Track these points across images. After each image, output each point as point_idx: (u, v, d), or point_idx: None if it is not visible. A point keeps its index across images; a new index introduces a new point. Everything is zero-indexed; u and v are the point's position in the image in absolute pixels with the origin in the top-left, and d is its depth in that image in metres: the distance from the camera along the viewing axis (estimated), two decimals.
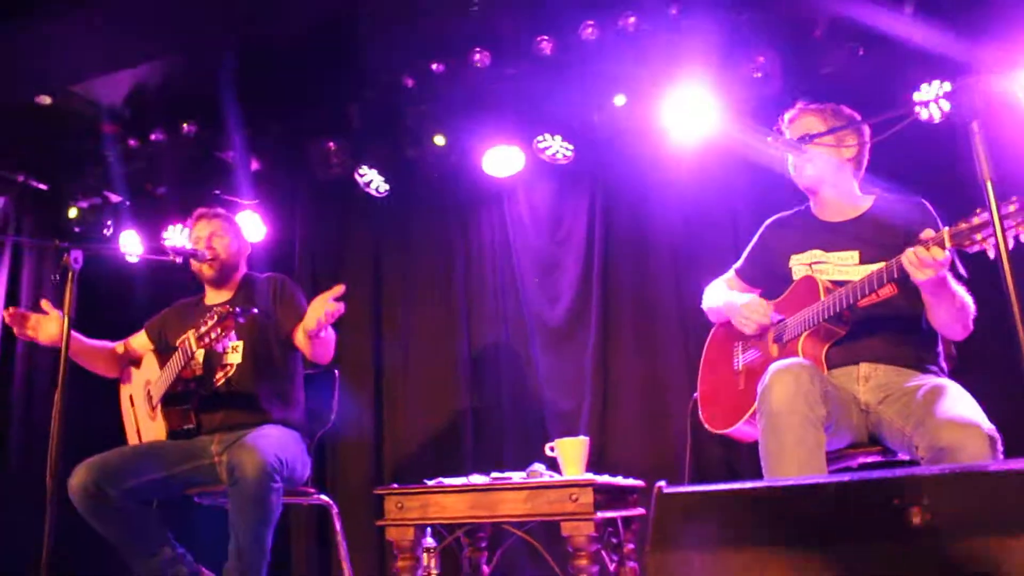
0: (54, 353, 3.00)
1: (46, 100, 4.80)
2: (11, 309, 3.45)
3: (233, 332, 3.11)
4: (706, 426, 3.07)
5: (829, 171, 2.94)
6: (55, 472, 2.69)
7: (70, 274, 2.90)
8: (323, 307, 3.18)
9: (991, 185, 2.03)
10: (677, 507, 1.63)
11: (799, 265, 2.97)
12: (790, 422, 2.41)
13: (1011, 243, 2.13)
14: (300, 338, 3.46)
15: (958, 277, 2.69)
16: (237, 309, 3.05)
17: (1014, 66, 3.36)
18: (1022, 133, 2.86)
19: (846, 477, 1.47)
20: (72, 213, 5.31)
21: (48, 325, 3.44)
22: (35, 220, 5.54)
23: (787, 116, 3.04)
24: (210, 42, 4.47)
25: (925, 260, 2.38)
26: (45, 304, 3.43)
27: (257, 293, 3.64)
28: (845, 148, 2.91)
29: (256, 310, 3.27)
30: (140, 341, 3.77)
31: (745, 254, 3.26)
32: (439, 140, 4.79)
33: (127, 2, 4.27)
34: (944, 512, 1.34)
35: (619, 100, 4.38)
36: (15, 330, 3.45)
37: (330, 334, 3.39)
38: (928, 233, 2.41)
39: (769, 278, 3.11)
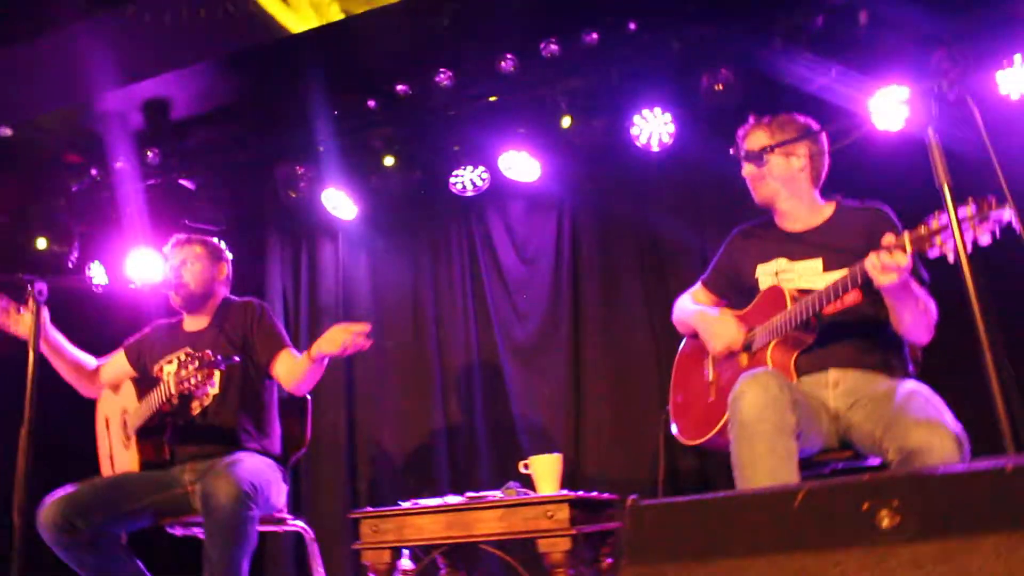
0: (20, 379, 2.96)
1: (7, 132, 4.76)
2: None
3: (214, 379, 3.10)
4: (679, 438, 3.08)
5: (782, 184, 2.97)
6: (23, 509, 2.65)
7: (35, 306, 2.87)
8: (344, 335, 3.17)
9: (948, 190, 2.06)
10: (650, 520, 1.63)
11: (765, 275, 2.99)
12: (761, 431, 2.42)
13: (969, 246, 2.16)
14: (281, 370, 3.45)
15: (920, 281, 2.72)
16: (219, 358, 3.03)
17: (967, 72, 3.43)
18: (980, 138, 2.90)
19: (815, 483, 1.48)
20: (40, 244, 5.26)
21: (25, 318, 3.43)
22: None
23: (741, 131, 3.08)
24: (181, 61, 4.44)
25: (888, 264, 2.41)
26: (23, 311, 3.42)
27: (234, 319, 3.61)
28: (794, 158, 2.94)
29: (237, 359, 3.25)
30: (119, 362, 3.73)
31: (711, 265, 3.27)
32: (405, 162, 4.79)
33: (85, 30, 4.25)
34: (913, 514, 1.35)
35: (584, 117, 4.39)
36: None
37: (324, 365, 3.39)
38: (889, 239, 2.44)
39: (736, 288, 3.13)
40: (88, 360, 3.71)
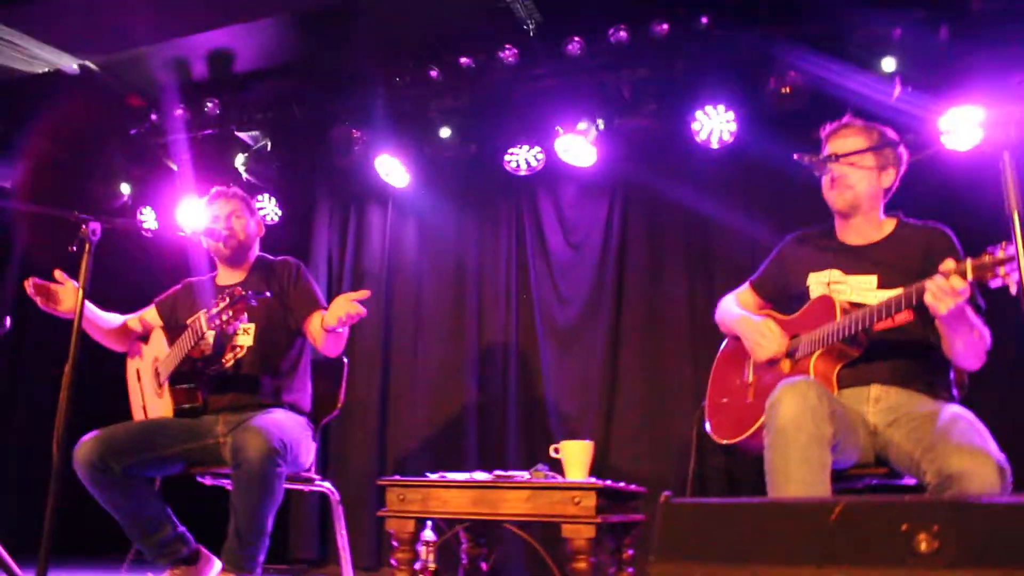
0: (63, 326, 3.00)
1: (72, 70, 4.81)
2: (32, 280, 3.43)
3: (245, 315, 3.10)
4: (712, 435, 3.06)
5: (867, 195, 2.89)
6: (61, 444, 2.69)
7: (87, 246, 2.90)
8: (345, 307, 3.17)
9: (1019, 218, 2.01)
10: (683, 518, 1.62)
11: (816, 284, 2.95)
12: (796, 439, 2.40)
13: None
14: (313, 329, 3.46)
15: (976, 308, 2.67)
16: (249, 292, 3.05)
17: None
18: None
19: (855, 498, 1.47)
20: (96, 184, 5.32)
21: (66, 297, 3.45)
22: (54, 189, 5.56)
23: (830, 127, 2.99)
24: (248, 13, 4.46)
25: (945, 290, 2.36)
26: (59, 274, 3.43)
27: (271, 276, 3.63)
28: (884, 175, 2.88)
29: (269, 294, 3.27)
30: (150, 316, 3.77)
31: (762, 268, 3.24)
32: (462, 135, 4.79)
33: None
34: (953, 541, 1.33)
35: (646, 106, 4.35)
36: (38, 301, 3.44)
37: (345, 331, 3.40)
38: (949, 264, 2.38)
39: (784, 294, 3.10)
40: (113, 319, 3.73)
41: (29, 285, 3.45)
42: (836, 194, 2.91)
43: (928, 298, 2.40)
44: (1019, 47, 3.57)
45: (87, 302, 3.57)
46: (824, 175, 2.91)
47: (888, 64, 3.85)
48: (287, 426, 3.25)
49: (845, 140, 2.91)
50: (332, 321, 3.22)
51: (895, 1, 3.83)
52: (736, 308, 3.18)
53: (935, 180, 3.53)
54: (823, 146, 2.99)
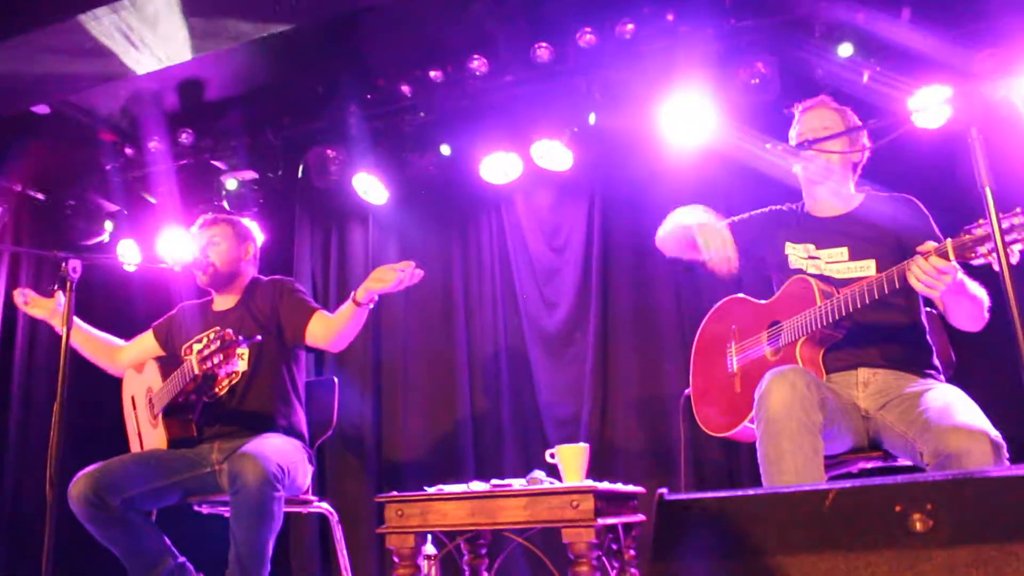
0: (52, 357, 3.00)
1: (43, 110, 4.79)
2: (23, 289, 3.67)
3: (235, 359, 3.11)
4: (703, 427, 3.08)
5: (836, 171, 2.95)
6: (54, 482, 2.68)
7: (68, 284, 2.89)
8: (391, 273, 3.22)
9: (991, 193, 2.03)
10: (678, 515, 1.62)
11: (795, 255, 2.98)
12: (787, 428, 2.42)
13: (1016, 256, 2.13)
14: (316, 329, 3.48)
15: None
16: (240, 338, 3.06)
17: (1012, 73, 3.37)
18: (1021, 141, 2.86)
19: (848, 483, 1.47)
20: (74, 222, 5.32)
21: (44, 302, 3.64)
22: (33, 230, 5.54)
23: (804, 104, 3.05)
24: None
25: (931, 274, 2.37)
26: (57, 293, 3.52)
27: (262, 299, 3.63)
28: (854, 152, 2.92)
29: (259, 338, 3.28)
30: (147, 342, 3.77)
31: (743, 216, 3.26)
32: (437, 148, 4.80)
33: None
34: (947, 518, 1.34)
35: (618, 107, 4.37)
36: (16, 299, 3.66)
37: (359, 320, 3.41)
38: (929, 245, 2.40)
39: (758, 251, 3.14)
40: (112, 340, 3.77)
41: (18, 293, 3.65)
42: (811, 167, 2.97)
43: (917, 285, 2.42)
44: (981, 22, 3.60)
45: (82, 322, 3.66)
46: (798, 161, 2.96)
47: (853, 48, 3.88)
48: (284, 450, 3.24)
49: (820, 115, 2.98)
50: (374, 286, 3.26)
51: None
52: (694, 215, 3.20)
53: (908, 159, 3.55)
54: (796, 121, 3.03)
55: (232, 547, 3.06)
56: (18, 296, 3.65)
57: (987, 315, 2.67)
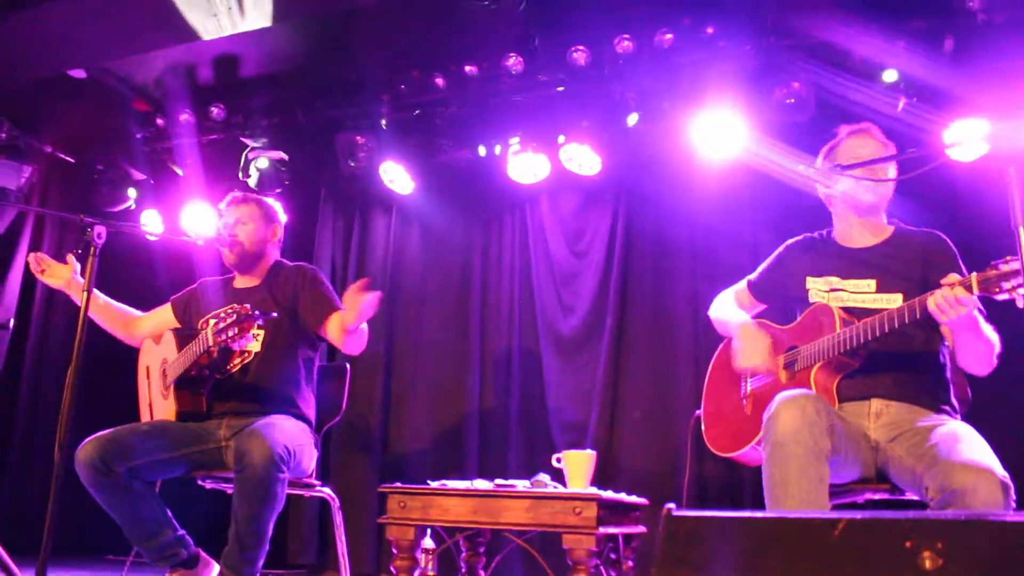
0: (69, 321, 3.01)
1: (80, 74, 4.82)
2: (36, 255, 3.64)
3: (250, 334, 3.11)
4: (710, 447, 3.06)
5: (887, 197, 2.92)
6: (63, 445, 2.69)
7: (92, 249, 2.90)
8: (358, 301, 3.18)
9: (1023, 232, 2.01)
10: (685, 531, 1.61)
11: (815, 289, 2.95)
12: (794, 452, 2.40)
13: None
14: (333, 331, 3.46)
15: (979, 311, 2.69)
16: (257, 312, 3.06)
17: None
18: None
19: (858, 515, 1.46)
20: (102, 188, 5.35)
21: (59, 270, 3.61)
22: (60, 192, 5.58)
23: (855, 126, 2.97)
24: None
25: (950, 302, 2.37)
26: (70, 258, 3.56)
27: (285, 283, 3.63)
28: (892, 182, 2.90)
29: (276, 315, 3.28)
30: (165, 315, 3.79)
31: (761, 268, 3.23)
32: (466, 142, 4.80)
33: None
34: (957, 559, 1.33)
35: (651, 116, 4.37)
36: (31, 265, 3.65)
37: (365, 329, 3.42)
38: (953, 277, 2.39)
39: (780, 296, 3.11)
40: (129, 311, 3.79)
41: (32, 259, 3.63)
42: (872, 187, 2.87)
43: (932, 308, 2.41)
44: (1020, 59, 3.58)
45: (99, 293, 3.67)
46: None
47: (892, 76, 3.86)
48: (291, 432, 3.25)
49: (868, 143, 2.91)
50: (351, 320, 3.25)
51: (899, 12, 3.84)
52: (735, 308, 3.19)
53: (940, 192, 3.54)
54: (838, 145, 2.97)
55: (233, 524, 3.07)
56: (33, 262, 3.63)
57: (995, 361, 2.65)
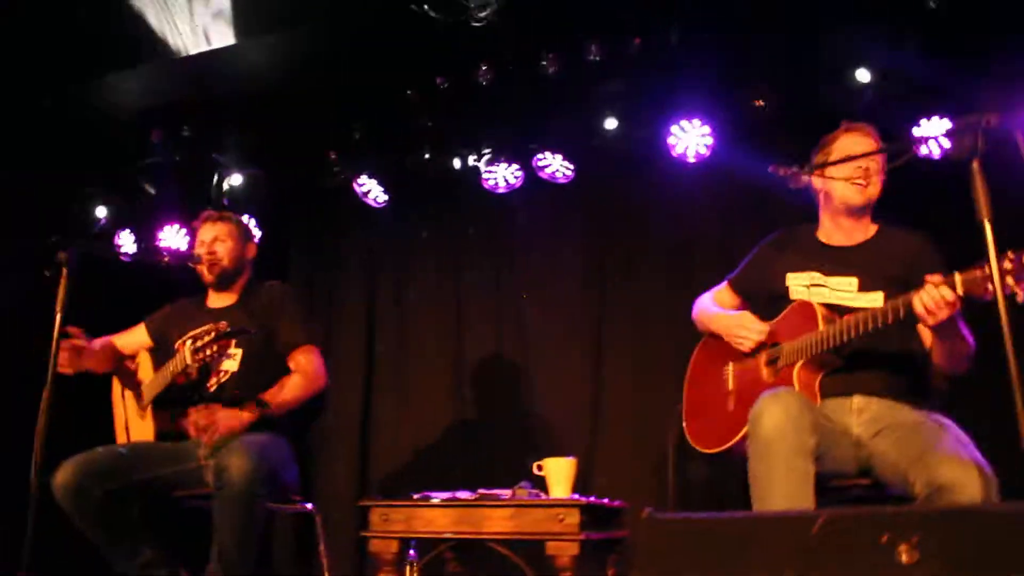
0: (43, 350, 2.98)
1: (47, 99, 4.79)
2: (70, 341, 3.42)
3: (228, 351, 3.09)
4: (693, 444, 3.06)
5: (876, 196, 2.92)
6: (40, 468, 2.67)
7: (63, 271, 2.88)
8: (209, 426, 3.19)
9: (990, 227, 2.03)
10: (663, 534, 1.62)
11: (796, 285, 2.95)
12: (779, 449, 2.41)
13: (1022, 295, 2.12)
14: (292, 365, 3.50)
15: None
16: (234, 329, 3.04)
17: (1015, 105, 3.38)
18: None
19: (836, 511, 1.47)
20: (73, 210, 5.30)
21: (92, 357, 3.49)
22: (29, 215, 5.52)
23: (851, 125, 2.97)
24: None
25: (938, 303, 2.37)
26: (73, 331, 3.41)
27: (261, 301, 3.61)
28: (881, 180, 2.91)
29: (253, 331, 3.26)
30: (139, 336, 3.75)
31: (741, 266, 3.24)
32: (440, 153, 4.80)
33: None
34: (933, 551, 1.34)
35: (610, 123, 4.39)
36: (62, 358, 3.31)
37: (315, 367, 3.46)
38: (936, 278, 2.40)
39: (762, 293, 3.10)
40: (113, 345, 3.72)
41: (64, 347, 3.38)
42: (860, 190, 2.87)
43: (919, 309, 2.41)
44: (987, 55, 3.61)
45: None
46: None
47: (860, 75, 3.89)
48: (269, 448, 3.22)
49: (857, 140, 2.91)
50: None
51: (864, 13, 3.86)
52: (713, 306, 3.20)
53: (909, 190, 3.56)
54: (829, 144, 2.98)
55: (215, 543, 3.05)
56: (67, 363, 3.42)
57: (968, 363, 2.68)
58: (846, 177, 2.87)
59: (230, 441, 3.14)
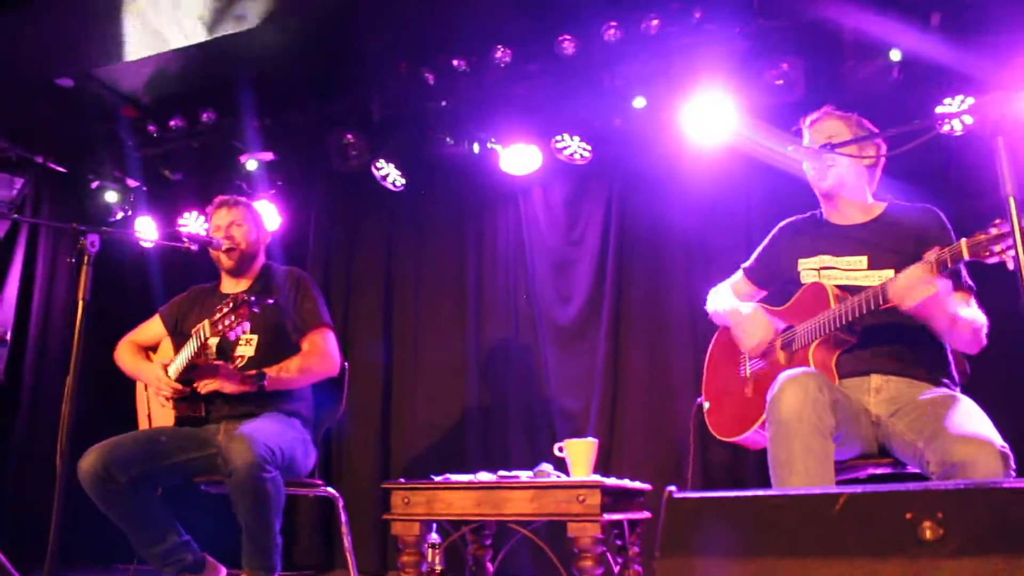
0: (67, 331, 3.00)
1: (67, 83, 4.81)
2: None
3: (247, 322, 3.09)
4: (713, 433, 3.06)
5: (850, 177, 2.93)
6: (65, 455, 2.69)
7: (86, 257, 2.89)
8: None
9: (1014, 201, 2.02)
10: (687, 513, 1.62)
11: (807, 270, 2.95)
12: (799, 431, 2.40)
13: None
14: (304, 346, 3.54)
15: (968, 289, 2.70)
16: (252, 298, 3.04)
17: None
18: None
19: (858, 488, 1.46)
20: (94, 196, 5.34)
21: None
22: (52, 202, 5.57)
23: (810, 118, 3.03)
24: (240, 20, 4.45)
25: (911, 285, 2.39)
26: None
27: (276, 286, 3.63)
28: (865, 156, 2.91)
29: (272, 301, 3.27)
30: (155, 328, 3.77)
31: (755, 255, 3.25)
32: (458, 137, 4.79)
33: None
34: (956, 527, 1.33)
35: (639, 103, 4.38)
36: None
37: (333, 352, 3.54)
38: (932, 254, 2.42)
39: (777, 280, 3.11)
40: (144, 346, 3.79)
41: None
42: (819, 178, 2.95)
43: (893, 298, 2.44)
44: (1008, 33, 3.57)
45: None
46: (814, 165, 2.94)
47: (881, 53, 3.85)
48: (276, 431, 3.23)
49: (824, 127, 2.96)
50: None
51: None
52: (727, 297, 3.20)
53: (933, 166, 3.54)
54: (805, 135, 3.01)
55: (242, 528, 3.09)
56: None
57: (984, 340, 2.66)
58: (814, 165, 2.94)
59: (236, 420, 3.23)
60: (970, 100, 3.51)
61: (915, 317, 2.57)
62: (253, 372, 3.32)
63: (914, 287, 2.43)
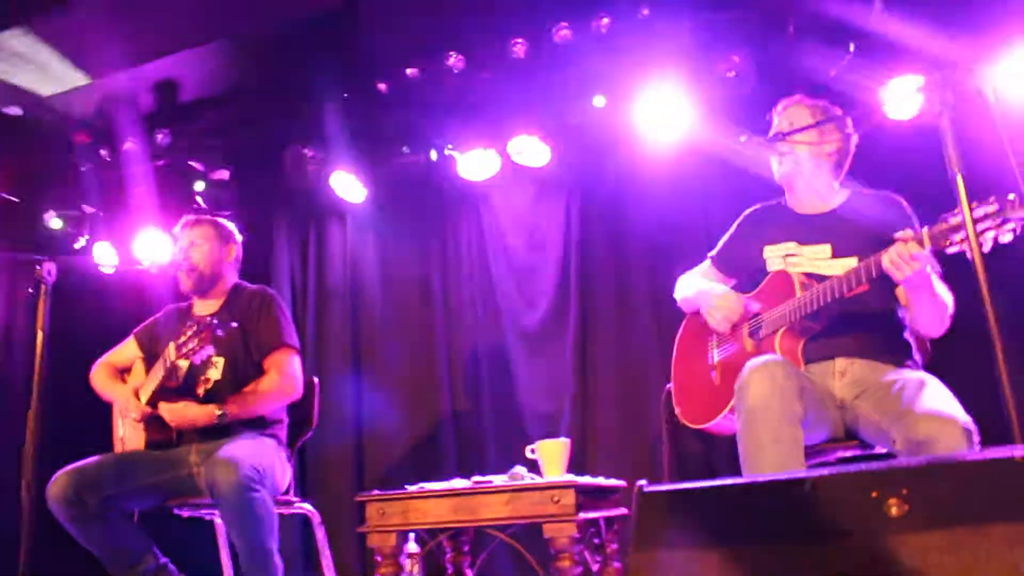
0: (28, 360, 2.96)
1: (16, 111, 4.75)
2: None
3: (210, 345, 3.07)
4: (682, 421, 3.08)
5: (807, 165, 2.96)
6: (31, 488, 2.66)
7: (43, 287, 2.86)
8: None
9: (962, 181, 2.04)
10: (658, 506, 1.62)
11: (773, 257, 2.98)
12: (766, 418, 2.42)
13: (988, 244, 2.15)
14: (267, 366, 3.52)
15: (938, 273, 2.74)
16: (215, 321, 3.03)
17: (985, 61, 3.39)
18: (995, 129, 2.89)
19: (824, 471, 1.48)
20: (49, 224, 5.28)
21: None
22: (6, 232, 5.48)
23: (781, 104, 3.07)
24: (190, 40, 4.42)
25: (904, 257, 2.41)
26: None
27: (241, 306, 3.60)
28: (826, 143, 2.94)
29: (235, 324, 3.25)
30: (131, 349, 3.74)
31: (721, 243, 3.27)
32: (414, 145, 4.79)
33: (99, 4, 4.21)
34: (922, 503, 1.35)
35: (598, 101, 4.39)
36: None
37: (296, 371, 3.51)
38: (907, 233, 2.43)
39: (744, 268, 3.14)
40: (118, 368, 3.75)
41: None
42: (778, 164, 3.01)
43: (887, 265, 2.45)
44: (954, 11, 3.61)
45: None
46: (772, 154, 2.98)
47: (827, 39, 3.89)
48: (258, 451, 3.22)
49: (791, 113, 3.00)
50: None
51: None
52: (697, 281, 3.22)
53: (883, 151, 3.57)
54: (774, 123, 3.05)
55: (239, 553, 3.07)
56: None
57: (948, 322, 2.70)
58: (777, 153, 3.01)
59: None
60: (918, 81, 3.54)
61: (907, 289, 2.60)
62: (216, 411, 3.29)
63: (904, 259, 2.44)
